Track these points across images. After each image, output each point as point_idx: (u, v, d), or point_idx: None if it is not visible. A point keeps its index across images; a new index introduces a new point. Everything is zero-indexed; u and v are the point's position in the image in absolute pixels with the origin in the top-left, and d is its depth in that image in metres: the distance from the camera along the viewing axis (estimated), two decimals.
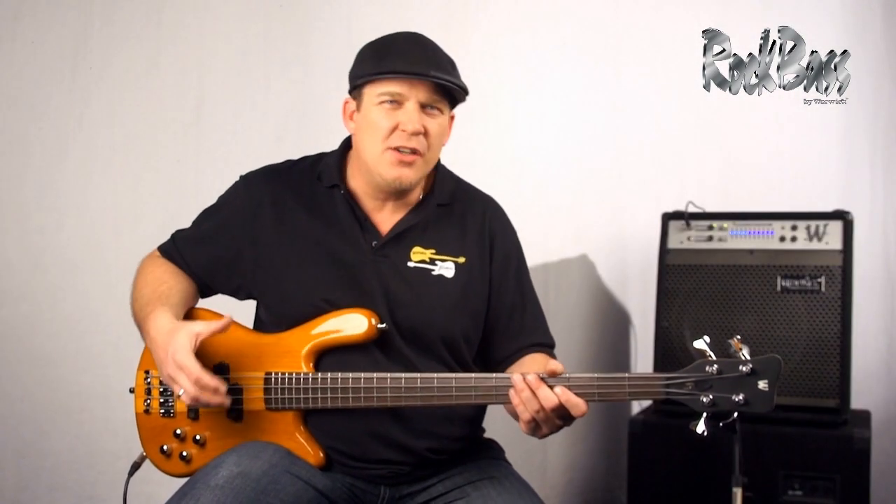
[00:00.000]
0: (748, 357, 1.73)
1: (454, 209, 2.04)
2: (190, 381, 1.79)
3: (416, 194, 2.02)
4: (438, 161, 2.04)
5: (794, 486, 2.99)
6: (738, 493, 2.68)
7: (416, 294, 1.94)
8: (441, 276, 1.97)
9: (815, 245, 3.08)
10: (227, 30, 2.70)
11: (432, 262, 1.97)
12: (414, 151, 1.91)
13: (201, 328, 1.83)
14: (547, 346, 2.07)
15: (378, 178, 1.93)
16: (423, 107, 1.91)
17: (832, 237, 3.08)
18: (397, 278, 1.94)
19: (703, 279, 3.18)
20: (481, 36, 3.34)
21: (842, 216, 3.09)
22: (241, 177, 2.07)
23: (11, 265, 2.37)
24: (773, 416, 3.02)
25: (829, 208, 3.15)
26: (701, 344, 1.76)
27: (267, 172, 2.06)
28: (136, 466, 2.04)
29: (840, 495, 2.93)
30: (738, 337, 1.75)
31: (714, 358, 1.74)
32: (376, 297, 1.92)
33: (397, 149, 1.90)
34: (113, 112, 2.50)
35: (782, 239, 3.13)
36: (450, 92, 1.94)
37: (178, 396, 1.82)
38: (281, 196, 2.01)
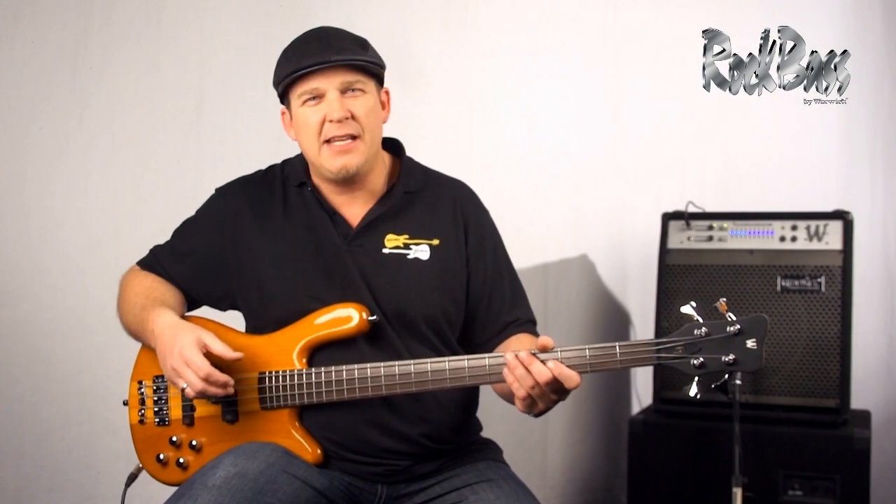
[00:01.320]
0: (734, 318, 1.74)
1: (423, 195, 2.06)
2: (199, 376, 1.82)
3: (382, 185, 2.04)
4: (404, 153, 2.08)
5: (794, 486, 2.98)
6: (738, 493, 2.69)
7: (394, 278, 1.96)
8: (416, 259, 1.99)
9: (815, 245, 3.08)
10: (227, 30, 2.70)
11: (406, 246, 1.99)
12: (352, 137, 1.93)
13: (212, 341, 1.85)
14: (530, 323, 2.09)
15: (326, 172, 1.96)
16: (345, 92, 1.93)
17: (832, 237, 3.07)
18: (374, 266, 1.96)
19: (703, 279, 3.18)
20: (481, 36, 3.34)
21: (842, 216, 3.09)
22: (217, 189, 2.10)
23: (11, 265, 2.37)
24: (773, 416, 3.04)
25: (829, 208, 3.15)
26: (688, 309, 1.77)
27: (241, 182, 2.10)
28: (132, 478, 2.04)
29: (840, 495, 2.93)
30: (724, 299, 1.76)
31: (701, 321, 1.75)
32: (358, 286, 1.94)
33: (330, 141, 1.93)
34: (113, 112, 2.50)
35: (782, 239, 3.13)
36: (367, 69, 1.96)
37: (183, 389, 1.85)
38: (258, 201, 2.04)
